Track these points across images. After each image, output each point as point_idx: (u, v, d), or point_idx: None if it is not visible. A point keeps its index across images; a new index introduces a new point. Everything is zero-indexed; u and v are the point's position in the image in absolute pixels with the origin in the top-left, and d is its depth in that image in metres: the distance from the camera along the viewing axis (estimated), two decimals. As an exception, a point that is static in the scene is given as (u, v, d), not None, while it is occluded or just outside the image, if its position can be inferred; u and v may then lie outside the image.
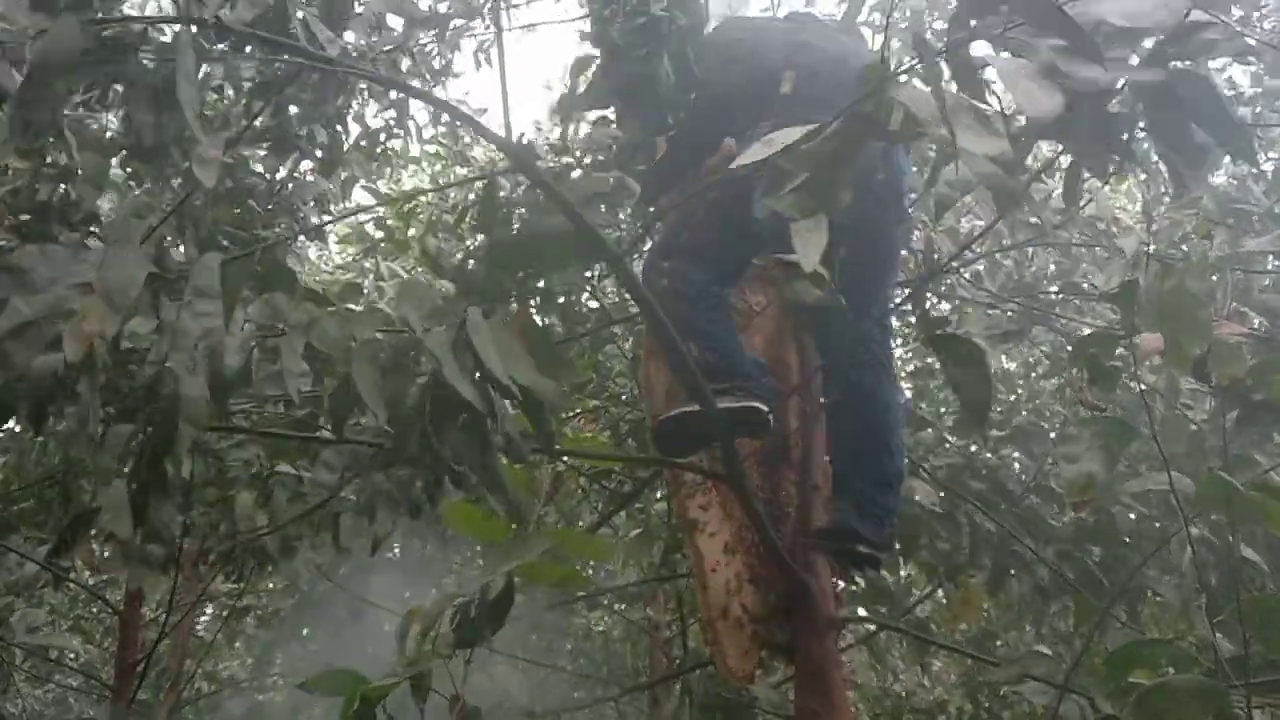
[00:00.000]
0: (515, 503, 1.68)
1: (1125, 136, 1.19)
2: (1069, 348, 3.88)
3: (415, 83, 3.22)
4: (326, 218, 4.01)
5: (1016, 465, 4.06)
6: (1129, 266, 2.43)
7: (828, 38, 2.58)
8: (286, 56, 2.09)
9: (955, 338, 2.23)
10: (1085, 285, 4.10)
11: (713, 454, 2.40)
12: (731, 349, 2.29)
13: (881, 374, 2.44)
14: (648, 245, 3.19)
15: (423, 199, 4.70)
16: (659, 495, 4.20)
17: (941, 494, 3.05)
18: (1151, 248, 2.25)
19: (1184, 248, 3.19)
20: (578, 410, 4.00)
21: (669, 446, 2.36)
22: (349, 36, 2.91)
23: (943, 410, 4.30)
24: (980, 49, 1.21)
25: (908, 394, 3.75)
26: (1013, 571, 3.45)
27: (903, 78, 1.19)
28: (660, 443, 2.36)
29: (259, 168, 3.60)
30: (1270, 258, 2.86)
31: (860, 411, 2.40)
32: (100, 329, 1.28)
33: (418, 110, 3.97)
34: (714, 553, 2.39)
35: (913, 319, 4.62)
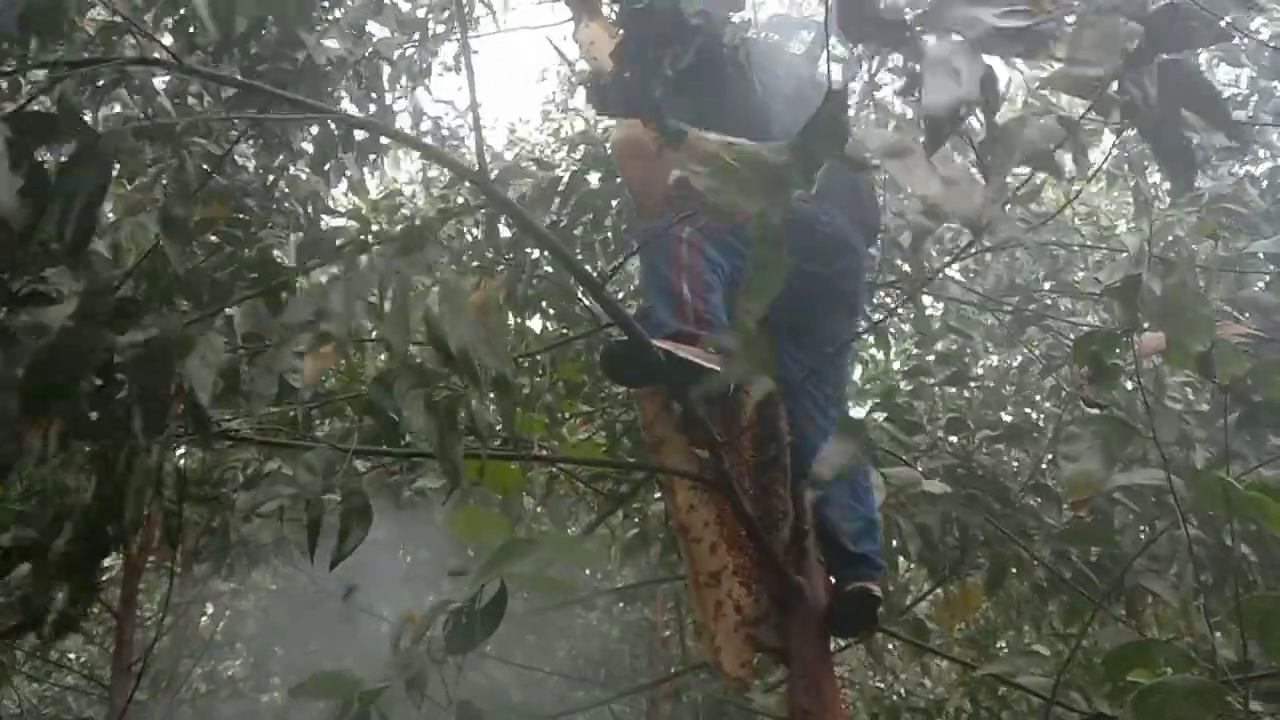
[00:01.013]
0: (462, 486, 1.67)
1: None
2: (1067, 346, 3.88)
3: (398, 87, 3.21)
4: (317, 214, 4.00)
5: (1015, 465, 4.06)
6: (1131, 264, 2.42)
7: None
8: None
9: None
10: (1076, 285, 4.10)
11: (705, 459, 2.39)
12: (715, 305, 2.28)
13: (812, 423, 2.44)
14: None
15: (409, 195, 4.70)
16: (656, 495, 4.20)
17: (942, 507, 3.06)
18: (1148, 247, 2.24)
19: (1192, 247, 3.18)
20: (571, 414, 3.99)
21: (614, 371, 2.39)
22: (331, 43, 2.90)
23: (939, 413, 4.29)
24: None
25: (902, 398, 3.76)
26: (1012, 570, 3.45)
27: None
28: (605, 364, 2.39)
29: (251, 165, 3.60)
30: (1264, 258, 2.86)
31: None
32: None
33: (403, 113, 3.96)
34: (707, 555, 2.38)
35: (907, 324, 4.63)
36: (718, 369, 2.18)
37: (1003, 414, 4.29)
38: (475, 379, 1.46)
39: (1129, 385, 2.64)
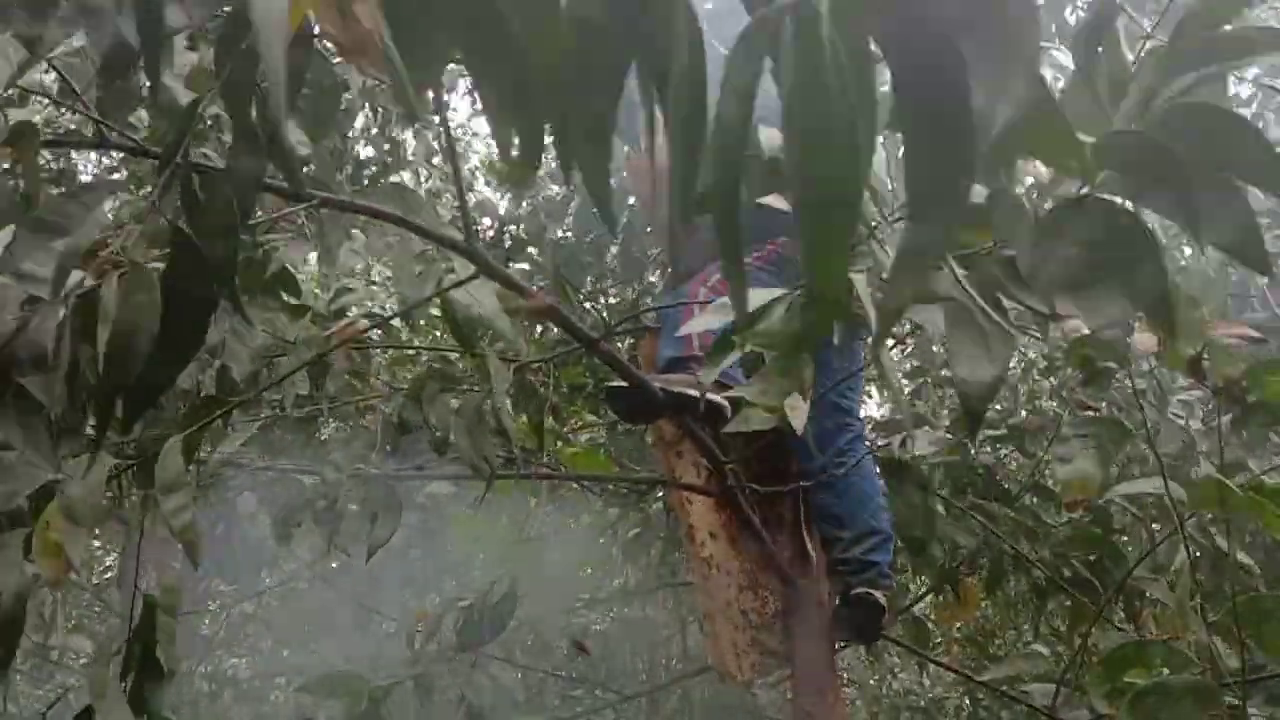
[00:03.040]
0: (491, 473, 1.71)
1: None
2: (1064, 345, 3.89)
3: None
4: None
5: (1014, 464, 4.07)
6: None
7: None
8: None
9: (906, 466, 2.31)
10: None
11: (709, 470, 2.41)
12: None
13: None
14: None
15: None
16: (658, 494, 4.21)
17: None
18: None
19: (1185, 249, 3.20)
20: (577, 421, 4.01)
21: (617, 411, 2.44)
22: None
23: (943, 410, 4.30)
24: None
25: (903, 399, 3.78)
26: (1010, 570, 3.46)
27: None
28: (609, 405, 2.46)
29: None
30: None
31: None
32: (71, 552, 1.27)
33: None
34: (712, 558, 2.41)
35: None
36: (712, 398, 2.21)
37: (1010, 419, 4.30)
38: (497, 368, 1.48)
39: (1130, 388, 2.66)
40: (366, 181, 3.55)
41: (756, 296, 1.05)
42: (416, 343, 3.53)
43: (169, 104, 1.17)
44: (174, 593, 1.56)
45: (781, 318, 1.05)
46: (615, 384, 2.32)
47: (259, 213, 1.71)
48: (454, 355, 2.27)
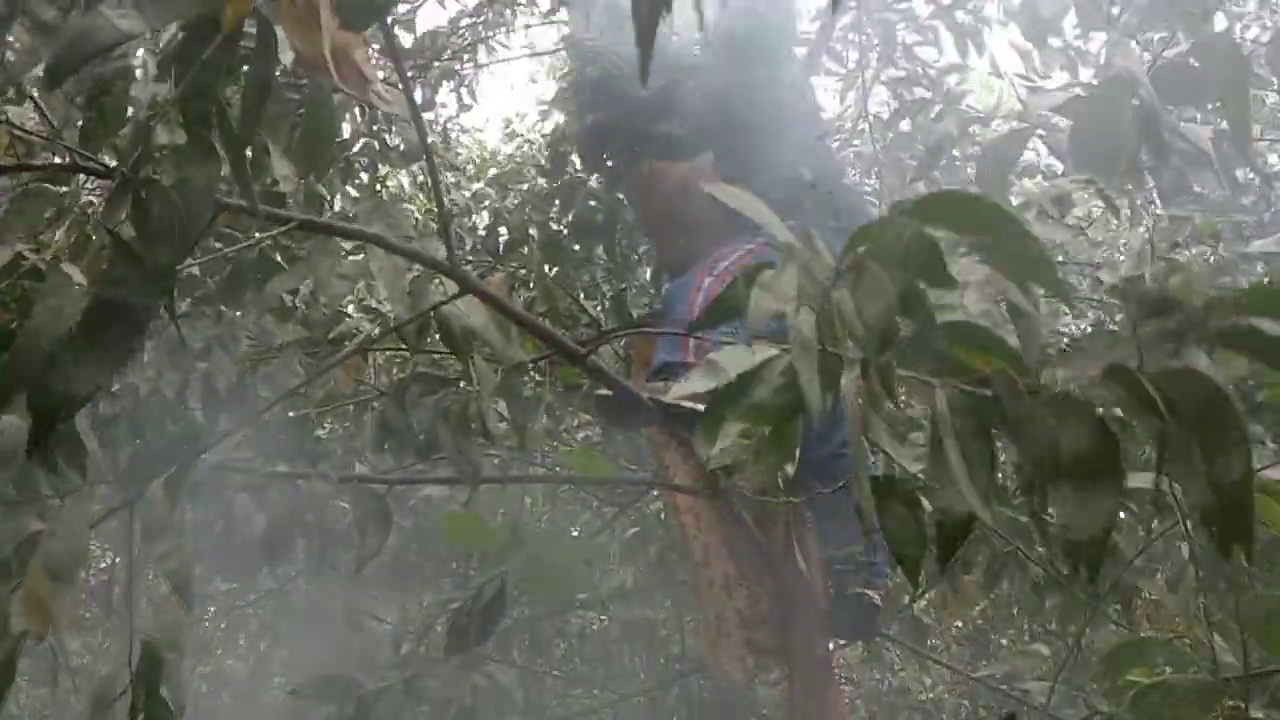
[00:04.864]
0: (477, 477, 1.69)
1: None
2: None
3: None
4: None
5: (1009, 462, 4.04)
6: (1134, 263, 2.41)
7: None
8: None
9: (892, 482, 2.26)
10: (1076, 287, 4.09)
11: (699, 470, 2.39)
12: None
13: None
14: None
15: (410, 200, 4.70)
16: (655, 494, 4.19)
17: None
18: (1151, 248, 2.24)
19: (1189, 251, 3.18)
20: (576, 422, 3.99)
21: (609, 421, 2.50)
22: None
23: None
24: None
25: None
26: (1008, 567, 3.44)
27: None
28: (599, 415, 2.48)
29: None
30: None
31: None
32: (56, 609, 1.23)
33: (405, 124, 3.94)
34: (706, 558, 2.39)
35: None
36: (698, 407, 2.17)
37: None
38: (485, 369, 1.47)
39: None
40: (359, 182, 3.53)
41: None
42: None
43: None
44: (177, 627, 1.51)
45: (774, 385, 0.92)
46: (604, 391, 2.30)
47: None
48: (440, 357, 2.26)
